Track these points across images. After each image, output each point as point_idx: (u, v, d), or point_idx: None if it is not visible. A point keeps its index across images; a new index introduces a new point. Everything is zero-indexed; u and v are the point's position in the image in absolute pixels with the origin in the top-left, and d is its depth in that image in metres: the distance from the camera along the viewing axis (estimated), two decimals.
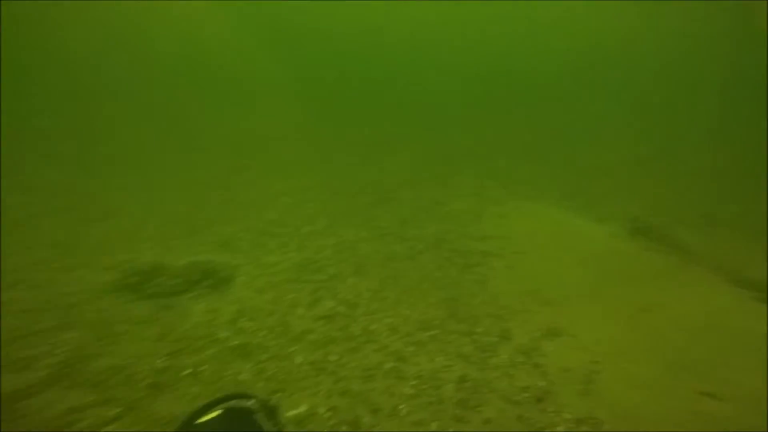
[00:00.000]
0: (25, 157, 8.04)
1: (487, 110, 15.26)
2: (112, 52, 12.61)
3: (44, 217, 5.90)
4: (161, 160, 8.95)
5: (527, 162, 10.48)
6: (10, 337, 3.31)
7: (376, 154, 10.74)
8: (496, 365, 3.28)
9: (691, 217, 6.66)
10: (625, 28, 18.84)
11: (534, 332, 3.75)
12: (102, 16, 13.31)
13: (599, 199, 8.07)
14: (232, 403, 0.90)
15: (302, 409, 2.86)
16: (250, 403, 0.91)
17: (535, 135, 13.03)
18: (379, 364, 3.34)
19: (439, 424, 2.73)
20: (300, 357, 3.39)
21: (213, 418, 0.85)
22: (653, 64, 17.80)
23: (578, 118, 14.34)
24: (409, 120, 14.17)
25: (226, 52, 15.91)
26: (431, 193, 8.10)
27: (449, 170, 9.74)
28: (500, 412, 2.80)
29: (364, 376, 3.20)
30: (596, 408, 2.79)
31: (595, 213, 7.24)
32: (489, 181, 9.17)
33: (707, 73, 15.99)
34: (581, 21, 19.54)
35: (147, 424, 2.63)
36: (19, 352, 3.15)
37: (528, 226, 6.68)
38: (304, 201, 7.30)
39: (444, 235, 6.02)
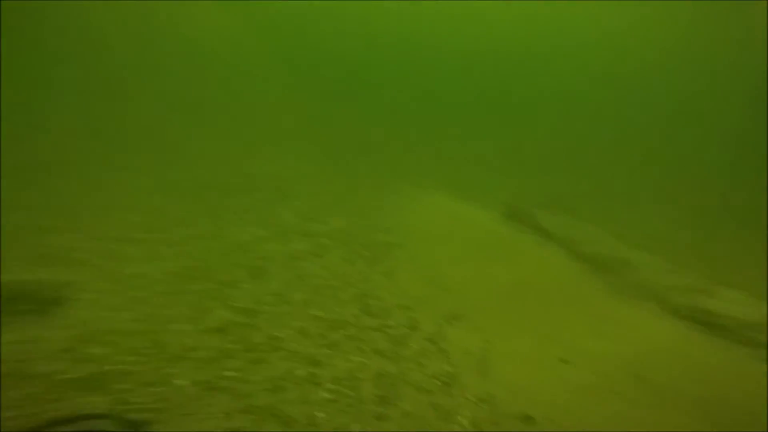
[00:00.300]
0: None
1: (396, 102, 15.73)
2: None
3: None
4: None
5: (422, 153, 11.24)
6: None
7: (272, 144, 10.00)
8: (408, 356, 3.44)
9: (548, 202, 8.09)
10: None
11: (438, 319, 4.07)
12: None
13: (481, 187, 9.20)
14: (80, 425, 0.71)
15: None
16: (104, 424, 0.73)
17: (433, 127, 14.02)
18: (289, 372, 3.14)
19: (360, 425, 2.74)
20: (184, 378, 2.91)
21: None
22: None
23: (476, 113, 16.01)
24: (310, 106, 13.57)
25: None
26: (334, 185, 7.98)
27: (351, 161, 9.75)
28: (416, 402, 2.96)
29: (272, 388, 2.96)
30: (491, 385, 3.19)
31: (479, 200, 8.24)
32: (388, 171, 9.53)
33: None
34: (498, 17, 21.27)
35: None
36: None
37: (425, 215, 7.19)
38: (181, 199, 6.30)
39: (350, 229, 6.01)
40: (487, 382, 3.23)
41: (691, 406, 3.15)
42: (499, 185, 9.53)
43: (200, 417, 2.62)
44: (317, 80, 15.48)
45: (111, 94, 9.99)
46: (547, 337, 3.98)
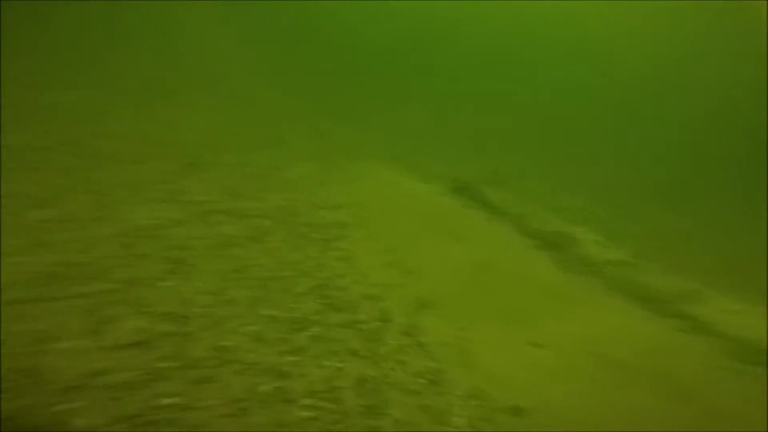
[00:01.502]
0: None
1: (332, 73, 14.50)
2: None
3: None
4: None
5: (361, 125, 10.71)
6: None
7: (171, 101, 8.39)
8: (387, 355, 3.26)
9: (488, 175, 8.46)
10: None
11: (408, 307, 3.96)
12: None
13: (421, 160, 9.22)
14: None
15: None
16: None
17: (372, 99, 13.38)
18: (251, 388, 2.71)
19: None
20: (87, 417, 2.32)
21: None
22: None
23: (413, 85, 15.69)
24: (219, 63, 11.70)
25: None
26: (262, 156, 7.08)
27: (278, 129, 8.79)
28: (405, 407, 2.83)
29: (232, 413, 2.53)
30: (476, 378, 3.24)
31: (421, 173, 8.27)
32: (324, 142, 8.88)
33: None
34: None
35: None
36: None
37: (373, 191, 6.94)
38: (46, 169, 4.81)
39: (292, 207, 5.43)
40: (471, 375, 3.26)
41: (647, 381, 3.66)
42: (442, 158, 9.68)
43: None
44: (246, 41, 13.54)
45: None
46: (513, 319, 4.21)
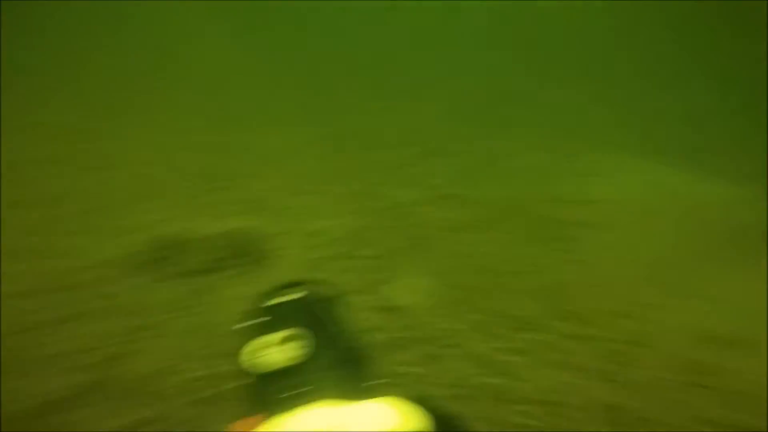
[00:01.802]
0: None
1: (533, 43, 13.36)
2: None
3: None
4: (160, 100, 8.00)
5: (588, 102, 9.00)
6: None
7: (411, 94, 9.55)
8: (642, 385, 2.59)
9: None
10: None
11: (681, 336, 3.02)
12: None
13: (702, 151, 6.86)
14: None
15: None
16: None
17: (590, 69, 11.13)
18: (466, 378, 2.69)
19: None
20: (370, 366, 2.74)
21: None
22: None
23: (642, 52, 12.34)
24: (447, 53, 12.59)
25: None
26: (488, 143, 7.09)
27: (503, 115, 8.58)
28: None
29: (449, 396, 2.55)
30: None
31: (696, 169, 6.16)
32: (554, 128, 8.02)
33: None
34: None
35: None
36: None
37: (620, 186, 5.73)
38: (332, 153, 6.35)
39: (517, 199, 5.16)
40: None
41: None
42: (715, 146, 6.90)
43: None
44: (465, 26, 14.19)
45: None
46: None
